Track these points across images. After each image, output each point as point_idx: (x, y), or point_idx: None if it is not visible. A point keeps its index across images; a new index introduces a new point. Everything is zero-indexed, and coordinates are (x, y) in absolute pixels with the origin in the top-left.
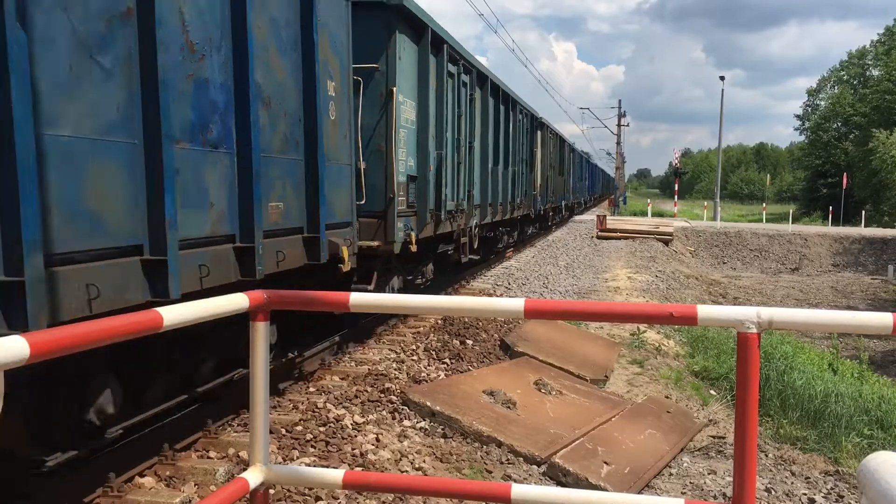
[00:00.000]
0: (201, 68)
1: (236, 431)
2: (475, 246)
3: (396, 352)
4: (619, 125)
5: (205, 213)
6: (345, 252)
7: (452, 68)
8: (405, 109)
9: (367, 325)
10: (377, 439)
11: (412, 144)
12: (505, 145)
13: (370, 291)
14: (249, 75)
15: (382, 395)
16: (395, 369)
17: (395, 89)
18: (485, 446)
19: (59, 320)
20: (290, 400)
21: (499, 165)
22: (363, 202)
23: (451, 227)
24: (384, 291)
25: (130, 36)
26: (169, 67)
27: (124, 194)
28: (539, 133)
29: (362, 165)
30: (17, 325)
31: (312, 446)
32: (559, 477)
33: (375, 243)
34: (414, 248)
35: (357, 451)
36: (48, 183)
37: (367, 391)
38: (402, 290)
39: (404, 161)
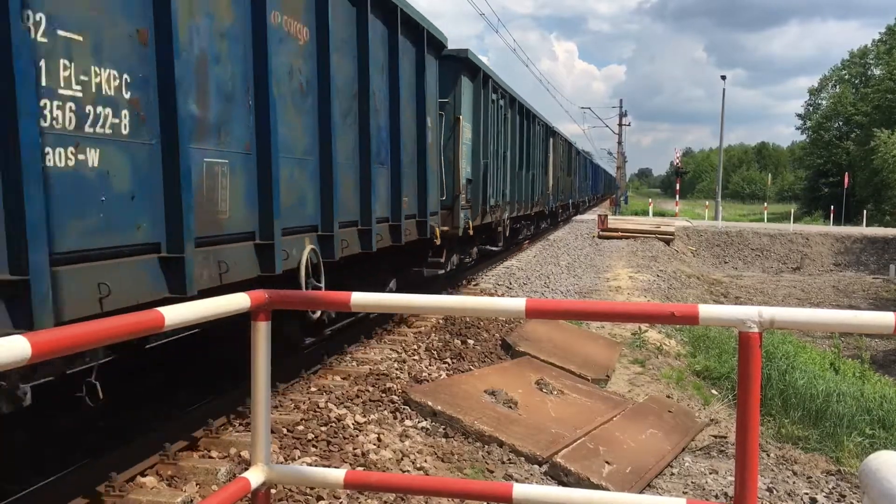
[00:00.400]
0: (380, 120)
1: (238, 431)
2: (507, 234)
3: (398, 351)
4: (620, 125)
5: (380, 203)
6: (437, 231)
7: (494, 96)
8: (465, 130)
9: (368, 325)
10: (378, 439)
11: (469, 156)
12: (527, 152)
13: (441, 263)
14: (400, 122)
15: (384, 395)
16: (397, 369)
17: (460, 117)
18: (486, 446)
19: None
20: (291, 400)
21: (522, 170)
22: (444, 198)
23: (492, 218)
24: (449, 264)
25: (364, 108)
26: (372, 123)
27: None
28: (551, 140)
29: (442, 172)
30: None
31: (314, 446)
32: (560, 477)
33: (446, 228)
34: (471, 232)
35: (358, 451)
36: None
37: (368, 391)
38: (458, 265)
39: (465, 168)
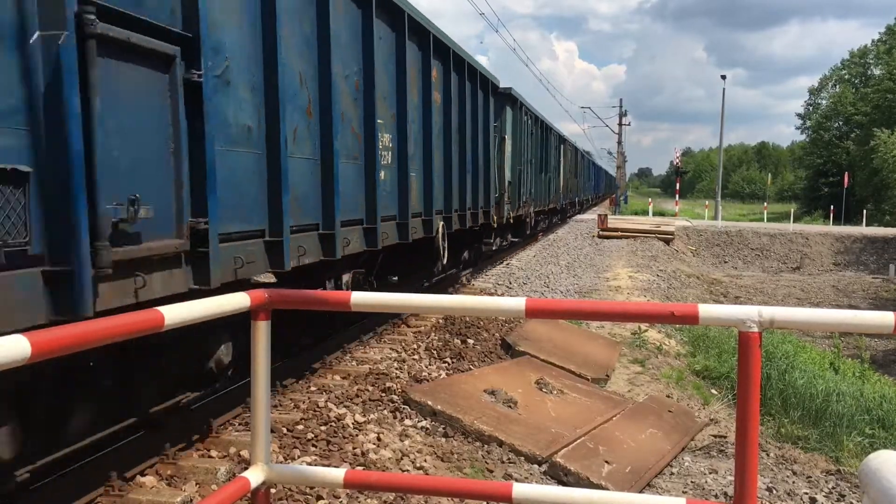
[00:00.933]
0: (466, 143)
1: (237, 430)
2: (533, 223)
3: (397, 351)
4: (620, 124)
5: (461, 198)
6: (494, 219)
7: (525, 118)
8: (508, 146)
9: (368, 325)
10: (378, 438)
11: (510, 164)
12: (545, 159)
13: (490, 243)
14: (477, 143)
15: (383, 395)
16: (397, 368)
17: (506, 137)
18: (486, 445)
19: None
20: (291, 399)
21: (542, 173)
22: (497, 195)
23: (523, 212)
24: (496, 245)
25: (458, 137)
26: (455, 157)
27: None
28: (562, 146)
29: (495, 177)
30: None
31: (313, 445)
32: (560, 476)
33: (495, 217)
34: (511, 221)
35: (358, 451)
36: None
37: (368, 390)
38: (499, 247)
39: (507, 174)
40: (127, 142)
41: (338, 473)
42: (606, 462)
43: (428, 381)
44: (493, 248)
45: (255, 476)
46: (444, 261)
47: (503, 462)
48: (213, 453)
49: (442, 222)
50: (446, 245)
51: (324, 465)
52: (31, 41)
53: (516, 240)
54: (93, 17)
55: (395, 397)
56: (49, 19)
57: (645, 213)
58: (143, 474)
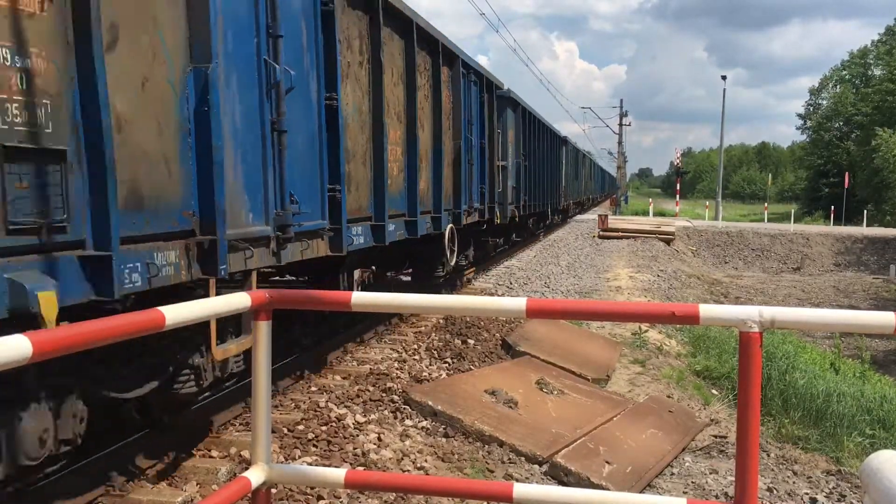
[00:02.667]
0: (470, 154)
1: (238, 431)
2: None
3: (398, 351)
4: (620, 124)
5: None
6: (497, 217)
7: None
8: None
9: (368, 325)
10: (379, 439)
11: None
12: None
13: (495, 243)
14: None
15: (384, 395)
16: (397, 369)
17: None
18: (486, 446)
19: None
20: (291, 399)
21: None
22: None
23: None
24: (499, 244)
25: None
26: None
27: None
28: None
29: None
30: None
31: (314, 445)
32: (561, 476)
33: (498, 216)
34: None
35: (359, 451)
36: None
37: (368, 390)
38: (501, 247)
39: (510, 174)
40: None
41: (338, 473)
42: (607, 462)
43: (428, 381)
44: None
45: (255, 476)
46: (452, 261)
47: (504, 462)
48: (214, 453)
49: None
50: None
51: (324, 466)
52: None
53: (518, 239)
54: None
55: (395, 397)
56: None
57: (645, 213)
58: (144, 474)
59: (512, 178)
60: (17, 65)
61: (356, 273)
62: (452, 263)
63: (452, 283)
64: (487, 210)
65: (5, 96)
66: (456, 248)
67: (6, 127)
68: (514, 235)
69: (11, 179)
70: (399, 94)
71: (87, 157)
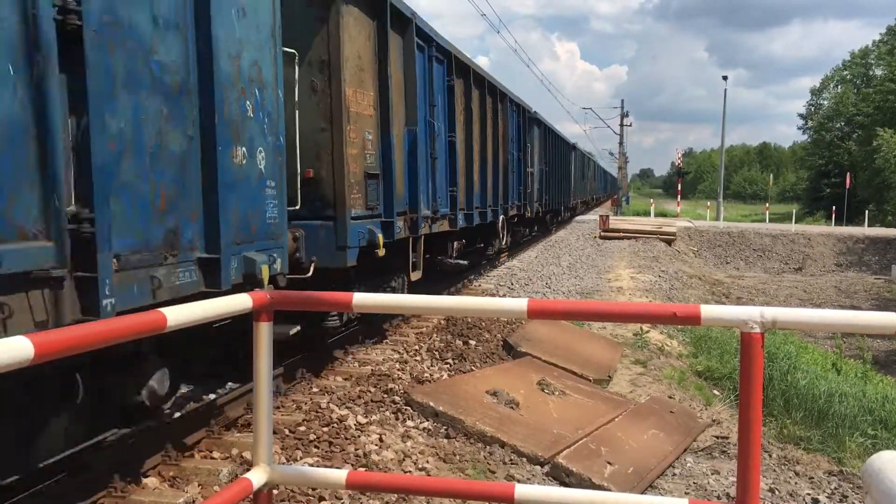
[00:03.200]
0: (519, 169)
1: (240, 432)
2: (550, 218)
3: (399, 352)
4: (621, 125)
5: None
6: (528, 212)
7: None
8: (535, 157)
9: (370, 325)
10: (380, 439)
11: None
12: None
13: (523, 232)
14: (525, 155)
15: (385, 396)
16: (399, 370)
17: (535, 149)
18: (488, 446)
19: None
20: (293, 400)
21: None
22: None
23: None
24: (527, 233)
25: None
26: (515, 171)
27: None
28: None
29: (528, 180)
30: None
31: (316, 446)
32: (562, 477)
33: (528, 211)
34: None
35: (360, 452)
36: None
37: (370, 391)
38: (527, 236)
39: (535, 179)
40: None
41: (340, 474)
42: (608, 463)
43: (430, 382)
44: (524, 236)
45: (257, 477)
46: (505, 240)
47: (505, 463)
48: (216, 454)
49: (502, 214)
50: (505, 228)
51: (326, 467)
52: None
53: (537, 231)
54: None
55: (397, 398)
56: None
57: (646, 213)
58: (145, 475)
59: (537, 181)
60: (368, 136)
61: (455, 244)
62: (505, 242)
63: (480, 268)
64: (522, 206)
65: (367, 152)
66: (505, 232)
67: (371, 162)
68: (535, 228)
69: (371, 185)
70: (478, 127)
71: (387, 176)
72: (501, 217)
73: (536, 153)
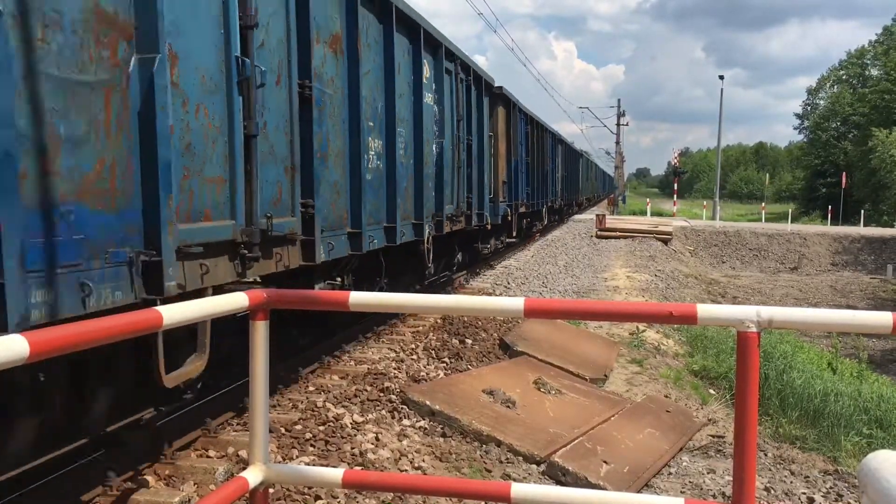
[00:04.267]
0: (459, 153)
1: (235, 430)
2: (529, 223)
3: (396, 351)
4: (618, 124)
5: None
6: (488, 220)
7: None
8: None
9: (366, 325)
10: (377, 438)
11: (504, 163)
12: (541, 158)
13: (486, 247)
14: (473, 150)
15: (382, 395)
16: (395, 368)
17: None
18: (484, 445)
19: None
20: (289, 399)
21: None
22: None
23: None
24: (491, 247)
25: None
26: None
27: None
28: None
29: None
30: None
31: (312, 445)
32: (558, 476)
33: (489, 218)
34: (510, 221)
35: (356, 451)
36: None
37: (366, 390)
38: (494, 250)
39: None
40: None
41: (336, 473)
42: (605, 462)
43: (426, 381)
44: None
45: (253, 476)
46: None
47: (501, 462)
48: (212, 453)
49: (545, 204)
50: (548, 215)
51: (322, 465)
52: None
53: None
54: None
55: (393, 397)
56: None
57: (643, 213)
58: (141, 474)
59: (559, 182)
60: (502, 164)
61: (524, 221)
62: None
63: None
64: (553, 200)
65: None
66: (547, 217)
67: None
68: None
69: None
70: (537, 150)
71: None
72: (545, 206)
73: (558, 162)
